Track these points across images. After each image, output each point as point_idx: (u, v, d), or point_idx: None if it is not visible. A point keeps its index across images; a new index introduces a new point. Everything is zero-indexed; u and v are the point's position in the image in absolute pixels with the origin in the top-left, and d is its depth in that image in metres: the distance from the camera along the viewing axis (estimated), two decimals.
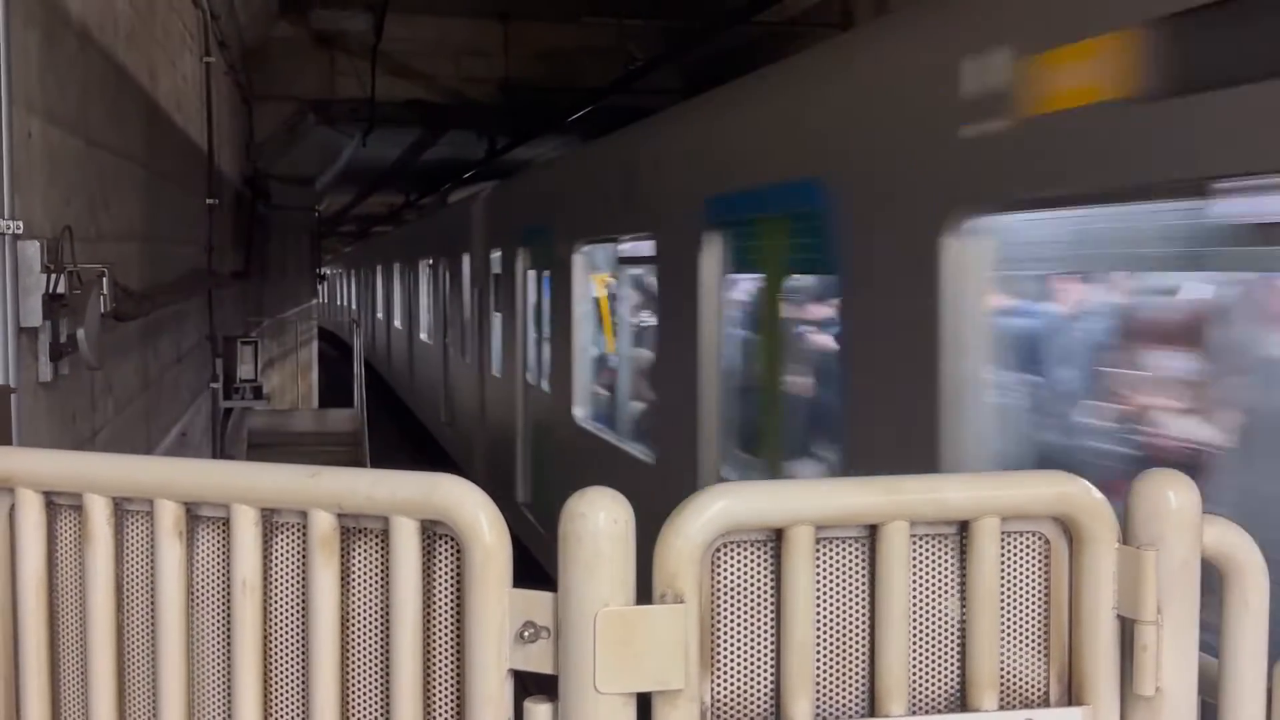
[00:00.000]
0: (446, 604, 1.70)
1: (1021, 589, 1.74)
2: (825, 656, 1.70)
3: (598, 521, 1.59)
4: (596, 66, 14.96)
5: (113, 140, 5.42)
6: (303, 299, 20.24)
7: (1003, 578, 1.73)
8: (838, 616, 1.70)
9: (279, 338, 18.88)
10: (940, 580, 1.73)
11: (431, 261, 18.84)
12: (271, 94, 15.87)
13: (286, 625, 1.77)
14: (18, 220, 3.45)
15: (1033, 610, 1.75)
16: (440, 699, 1.70)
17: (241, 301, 14.74)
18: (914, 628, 1.71)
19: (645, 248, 8.00)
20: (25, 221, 3.51)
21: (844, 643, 1.71)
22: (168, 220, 7.55)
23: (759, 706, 1.69)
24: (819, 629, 1.69)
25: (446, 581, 1.70)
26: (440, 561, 1.70)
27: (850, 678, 1.71)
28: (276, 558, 1.77)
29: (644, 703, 1.62)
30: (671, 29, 14.13)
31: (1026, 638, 1.75)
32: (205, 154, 9.64)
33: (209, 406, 10.33)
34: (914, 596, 1.71)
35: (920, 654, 1.72)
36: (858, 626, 1.71)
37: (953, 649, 1.73)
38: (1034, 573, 1.75)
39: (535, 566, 7.18)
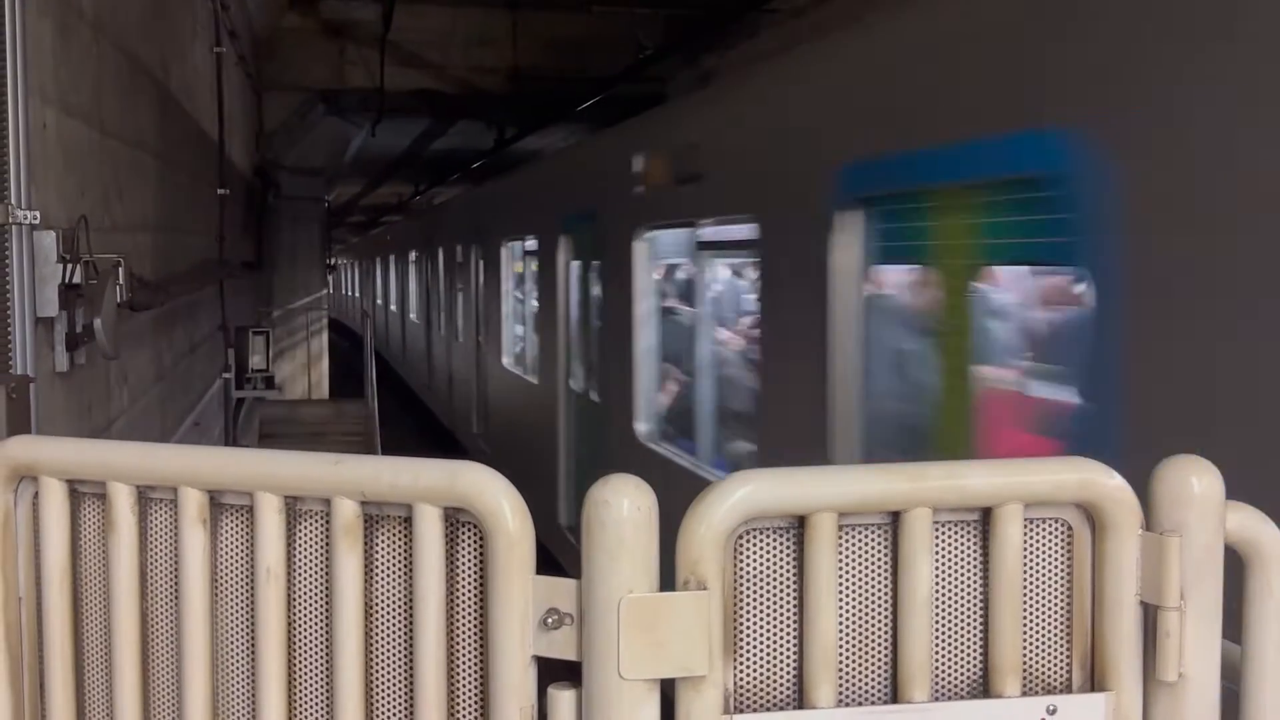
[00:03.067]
0: (469, 591, 1.70)
1: (1044, 575, 1.74)
2: (848, 643, 1.70)
3: (621, 509, 1.59)
4: (606, 56, 14.93)
5: (126, 131, 5.42)
6: (313, 289, 20.25)
7: (1025, 564, 1.73)
8: (860, 603, 1.70)
9: (289, 328, 18.91)
10: (963, 567, 1.73)
11: (535, 245, 12.14)
12: (281, 84, 15.89)
13: (310, 612, 1.77)
14: (34, 210, 3.45)
15: (1055, 597, 1.75)
16: (464, 685, 1.71)
17: (252, 292, 14.75)
18: (936, 614, 1.71)
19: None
20: (41, 212, 3.52)
21: (866, 629, 1.71)
22: (180, 210, 7.56)
23: (782, 693, 1.69)
24: (841, 616, 1.69)
25: (469, 568, 1.70)
26: (463, 548, 1.70)
27: (873, 664, 1.71)
28: (300, 545, 1.78)
29: (667, 689, 1.63)
30: (680, 17, 14.10)
31: (1049, 624, 1.75)
32: (216, 144, 9.65)
33: (221, 396, 10.36)
34: (937, 583, 1.71)
35: (943, 640, 1.72)
36: (880, 613, 1.71)
37: (975, 635, 1.73)
38: (1057, 559, 1.74)
39: None
